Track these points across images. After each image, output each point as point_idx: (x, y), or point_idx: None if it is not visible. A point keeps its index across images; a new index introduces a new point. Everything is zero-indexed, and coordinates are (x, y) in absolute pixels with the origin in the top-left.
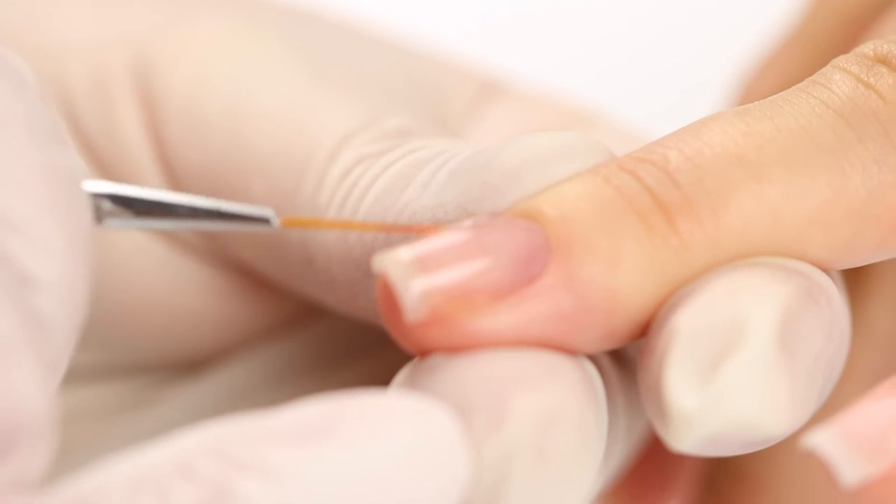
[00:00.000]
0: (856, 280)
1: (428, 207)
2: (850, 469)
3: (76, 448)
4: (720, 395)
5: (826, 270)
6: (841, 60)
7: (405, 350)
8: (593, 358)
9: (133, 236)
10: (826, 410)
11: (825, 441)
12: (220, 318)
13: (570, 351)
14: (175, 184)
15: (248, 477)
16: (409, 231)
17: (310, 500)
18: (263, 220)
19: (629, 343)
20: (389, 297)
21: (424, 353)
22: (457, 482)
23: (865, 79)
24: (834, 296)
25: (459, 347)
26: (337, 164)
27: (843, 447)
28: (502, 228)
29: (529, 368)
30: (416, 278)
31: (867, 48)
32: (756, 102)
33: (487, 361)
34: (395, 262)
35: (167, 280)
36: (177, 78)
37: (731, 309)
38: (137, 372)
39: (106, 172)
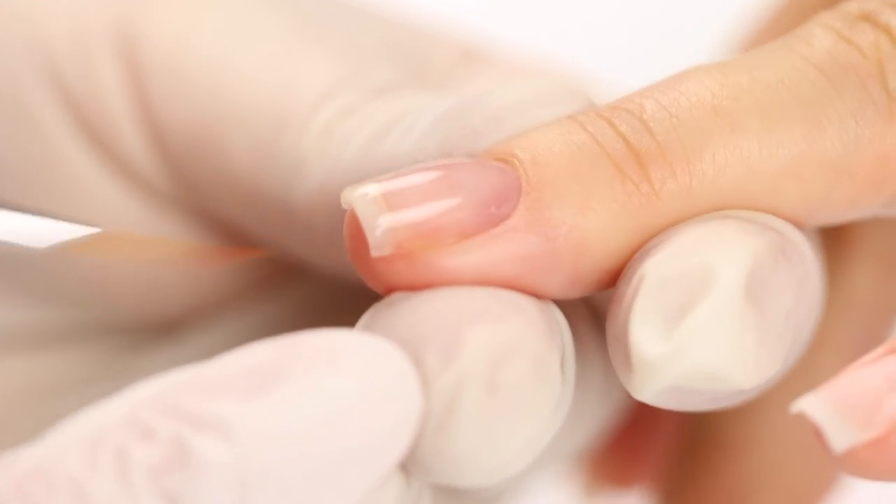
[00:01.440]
0: (835, 246)
1: (409, 153)
2: (840, 435)
3: (44, 418)
4: (685, 343)
5: (801, 226)
6: (824, 16)
7: (372, 288)
8: (571, 317)
9: (108, 190)
10: (805, 377)
11: (815, 406)
12: (198, 276)
13: (536, 294)
14: (157, 141)
15: (204, 433)
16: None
17: (265, 452)
18: None
19: (598, 291)
20: (356, 233)
21: (389, 290)
22: (409, 418)
23: (847, 34)
24: (807, 254)
25: (423, 285)
26: (318, 116)
27: (833, 413)
28: (474, 168)
29: (487, 303)
30: (382, 214)
31: (851, 6)
32: (736, 56)
33: (444, 297)
34: (362, 197)
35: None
36: (158, 35)
37: (699, 258)
38: (110, 333)
39: (88, 131)
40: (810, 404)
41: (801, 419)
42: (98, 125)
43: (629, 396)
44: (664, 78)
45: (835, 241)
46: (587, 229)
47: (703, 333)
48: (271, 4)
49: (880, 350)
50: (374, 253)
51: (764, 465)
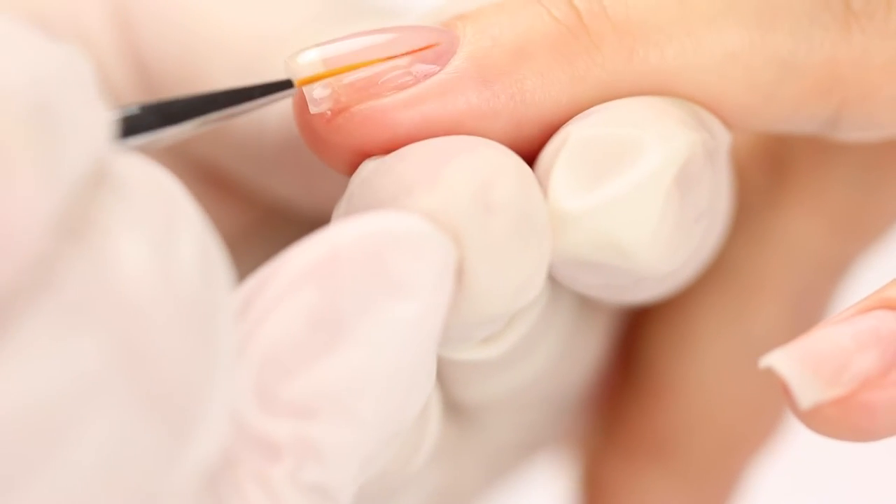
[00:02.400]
0: (782, 196)
1: None
2: (807, 392)
3: None
4: (602, 204)
5: (745, 121)
6: None
7: (321, 158)
8: None
9: None
10: (741, 321)
11: (783, 362)
12: None
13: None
14: (143, 81)
15: (314, 419)
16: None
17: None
18: (285, 86)
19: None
20: (300, 97)
21: (336, 156)
22: (447, 255)
23: None
24: (726, 167)
25: (365, 144)
26: (295, 42)
27: (801, 369)
28: (414, 29)
29: (456, 143)
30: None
31: None
32: None
33: (411, 151)
34: (302, 61)
35: None
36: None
37: (636, 131)
38: None
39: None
40: (779, 360)
41: (733, 367)
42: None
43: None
44: None
45: (781, 191)
46: (524, 75)
47: (623, 201)
48: None
49: (850, 309)
50: (312, 109)
51: (695, 409)
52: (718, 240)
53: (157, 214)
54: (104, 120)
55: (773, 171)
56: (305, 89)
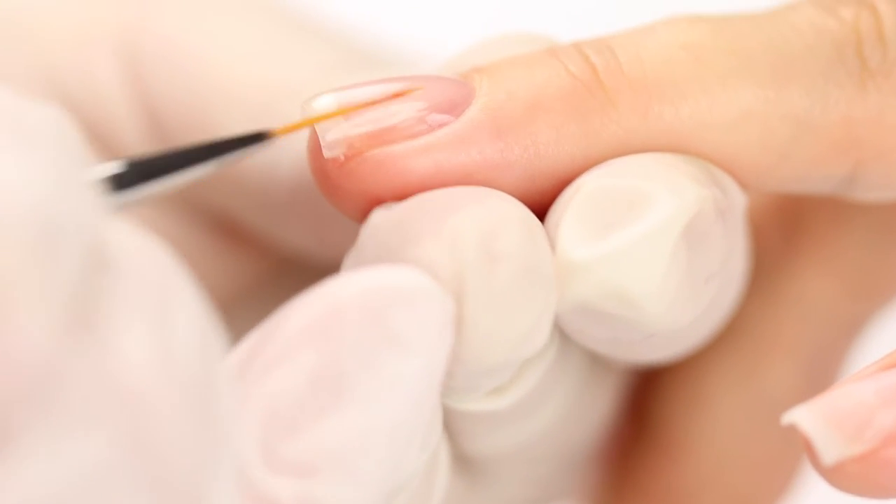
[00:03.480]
0: (797, 257)
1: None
2: (830, 449)
3: None
4: (610, 255)
5: (760, 180)
6: None
7: (333, 204)
8: None
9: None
10: (754, 381)
11: (806, 418)
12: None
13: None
14: (156, 134)
15: (316, 476)
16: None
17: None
18: (260, 137)
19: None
20: (314, 142)
21: (347, 201)
22: (446, 309)
23: (831, 6)
24: (741, 228)
25: (377, 190)
26: (307, 90)
27: (823, 426)
28: (429, 79)
29: (465, 194)
30: (336, 117)
31: None
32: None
33: (419, 201)
34: (317, 104)
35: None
36: (157, 38)
37: (645, 183)
38: None
39: (90, 132)
40: (801, 416)
41: (746, 425)
42: (99, 126)
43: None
44: None
45: (796, 251)
46: (538, 129)
47: (630, 252)
48: (257, 8)
49: (873, 366)
50: (326, 153)
51: (707, 467)
52: (733, 303)
53: (154, 295)
54: (98, 198)
55: (787, 231)
56: (319, 133)
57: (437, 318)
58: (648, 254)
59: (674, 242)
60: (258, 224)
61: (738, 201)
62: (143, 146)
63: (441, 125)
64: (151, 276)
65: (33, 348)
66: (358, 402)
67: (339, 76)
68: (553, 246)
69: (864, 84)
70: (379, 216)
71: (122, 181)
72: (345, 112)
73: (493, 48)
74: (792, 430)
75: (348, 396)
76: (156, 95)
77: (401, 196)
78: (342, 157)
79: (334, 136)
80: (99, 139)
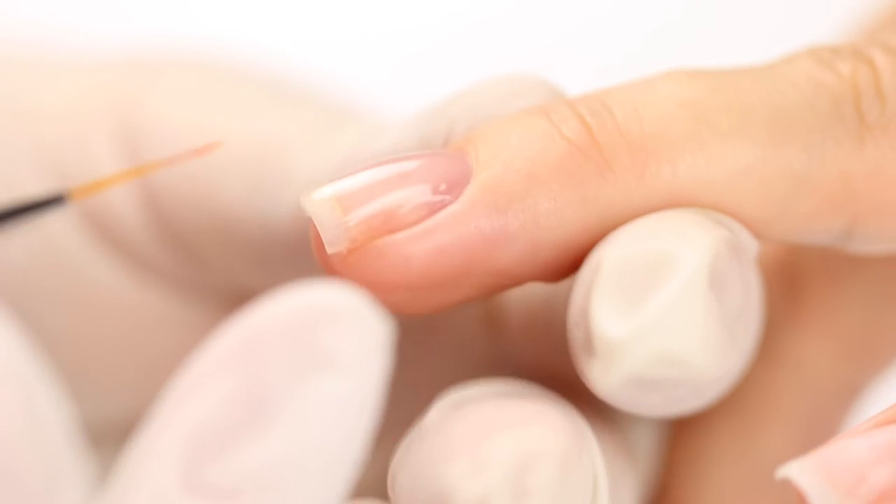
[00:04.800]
0: (794, 319)
1: (387, 148)
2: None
3: None
4: (650, 324)
5: (759, 234)
6: (814, 47)
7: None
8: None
9: (101, 276)
10: (750, 444)
11: (801, 473)
12: None
13: (498, 272)
14: (153, 211)
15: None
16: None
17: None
18: (56, 201)
19: (563, 276)
20: (317, 235)
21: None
22: (380, 330)
23: (829, 60)
24: (753, 263)
25: (384, 278)
26: (303, 142)
27: (818, 481)
28: (424, 159)
29: (510, 414)
30: (335, 213)
31: (844, 43)
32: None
33: (464, 416)
34: (315, 199)
35: (141, 323)
36: (153, 115)
37: (660, 244)
38: (102, 439)
39: (88, 216)
40: (796, 470)
41: (745, 492)
42: (97, 204)
43: None
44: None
45: (794, 310)
46: (537, 201)
47: (668, 315)
48: (244, 77)
49: (868, 422)
50: (329, 250)
51: None
52: (758, 335)
53: None
54: None
55: (785, 288)
56: (321, 229)
57: (370, 339)
58: (684, 311)
59: (704, 292)
60: (265, 285)
61: (747, 240)
62: (142, 222)
63: (441, 206)
64: None
65: None
66: (284, 423)
67: (325, 131)
68: (586, 325)
69: (861, 139)
70: (425, 431)
71: None
72: (108, 184)
73: (490, 92)
74: (790, 493)
75: (273, 418)
76: (153, 174)
77: (405, 282)
78: (345, 252)
79: (335, 232)
80: (96, 216)
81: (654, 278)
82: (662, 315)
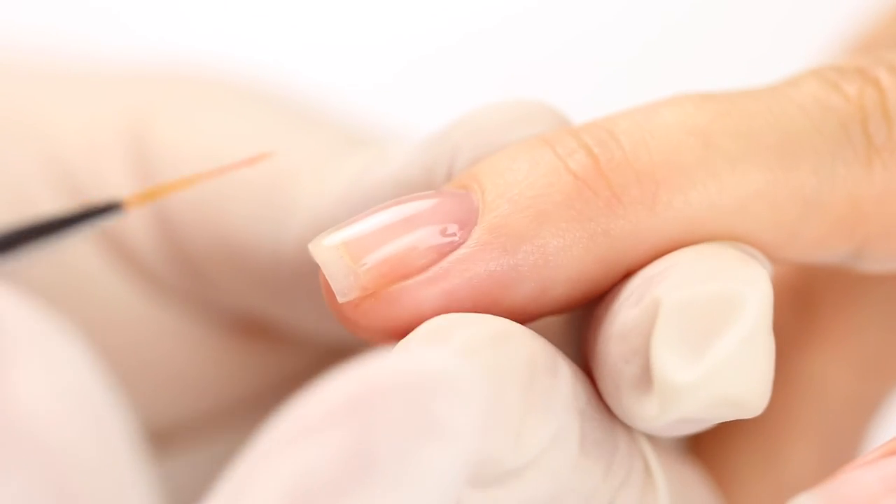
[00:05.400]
0: (812, 339)
1: (394, 177)
2: None
3: None
4: (715, 370)
5: (770, 257)
6: (819, 67)
7: (353, 334)
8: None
9: (117, 293)
10: (771, 465)
11: None
12: (212, 379)
13: (508, 310)
14: (163, 228)
15: None
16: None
17: None
18: (113, 208)
19: (573, 309)
20: (331, 289)
21: (367, 334)
22: (485, 398)
23: (835, 81)
24: None
25: (396, 323)
26: (309, 167)
27: None
28: (430, 201)
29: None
30: (344, 262)
31: (849, 62)
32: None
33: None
34: (322, 248)
35: (153, 338)
36: (164, 136)
37: (721, 285)
38: None
39: (102, 234)
40: (805, 502)
41: None
42: (114, 230)
43: None
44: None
45: (809, 332)
46: (545, 240)
47: (734, 361)
48: (252, 100)
49: (876, 451)
50: (340, 299)
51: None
52: None
53: (40, 345)
54: None
55: (799, 312)
56: (330, 278)
57: (477, 408)
58: (750, 356)
59: (767, 335)
60: (272, 310)
61: (768, 266)
62: (155, 244)
63: (449, 247)
64: (33, 332)
65: None
66: (385, 485)
67: (333, 155)
68: (645, 367)
69: (870, 161)
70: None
71: None
72: (167, 191)
73: (482, 122)
74: None
75: (377, 480)
76: (165, 198)
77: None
78: (356, 300)
79: (346, 282)
80: (113, 237)
81: (719, 322)
82: (729, 361)
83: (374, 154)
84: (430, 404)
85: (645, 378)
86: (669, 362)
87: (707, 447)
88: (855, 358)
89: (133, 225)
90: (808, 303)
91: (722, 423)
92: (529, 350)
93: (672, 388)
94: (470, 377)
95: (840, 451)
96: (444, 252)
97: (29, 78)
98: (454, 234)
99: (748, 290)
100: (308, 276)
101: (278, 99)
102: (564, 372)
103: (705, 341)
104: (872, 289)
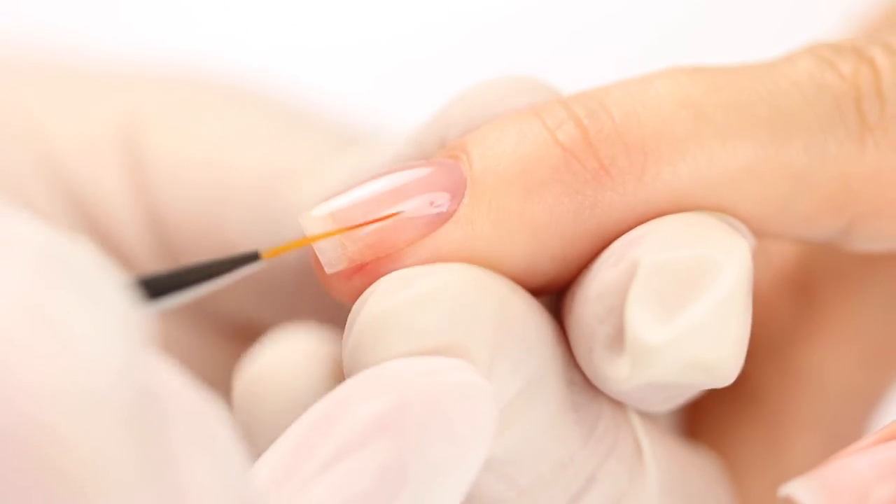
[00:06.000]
0: (813, 329)
1: (386, 164)
2: None
3: None
4: (688, 332)
5: (756, 231)
6: (815, 45)
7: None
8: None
9: None
10: (771, 456)
11: (803, 491)
12: (211, 384)
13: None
14: (157, 232)
15: None
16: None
17: None
18: (252, 258)
19: (561, 285)
20: (319, 261)
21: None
22: (494, 405)
23: (830, 59)
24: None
25: None
26: (307, 169)
27: (820, 498)
28: (418, 172)
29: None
30: (332, 238)
31: (845, 41)
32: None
33: None
34: (311, 219)
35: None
36: (159, 138)
37: (699, 250)
38: None
39: (92, 226)
40: (798, 488)
41: (772, 500)
42: (101, 218)
43: None
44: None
45: (809, 322)
46: (534, 214)
47: (708, 324)
48: (249, 103)
49: (869, 438)
50: (327, 270)
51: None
52: None
53: (204, 429)
54: (146, 344)
55: (799, 302)
56: (318, 250)
57: (490, 416)
58: (725, 320)
59: (743, 302)
60: (272, 318)
61: (750, 240)
62: (150, 251)
63: (437, 219)
64: (195, 410)
65: None
66: (417, 499)
67: (329, 159)
68: (622, 329)
69: (862, 139)
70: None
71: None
72: (343, 231)
73: (488, 94)
74: None
75: (409, 493)
76: (160, 197)
77: None
78: (345, 271)
79: (333, 253)
80: (107, 243)
81: (695, 286)
82: (702, 324)
83: (368, 150)
84: (450, 414)
85: (618, 339)
86: (643, 321)
87: (709, 438)
88: (856, 349)
89: (129, 231)
90: (808, 294)
91: (723, 414)
92: (499, 294)
93: (644, 347)
94: (480, 386)
95: (842, 441)
96: (431, 223)
97: (25, 77)
98: (442, 206)
99: (726, 258)
100: (306, 280)
101: (272, 101)
102: (540, 321)
103: (680, 303)
104: (873, 280)
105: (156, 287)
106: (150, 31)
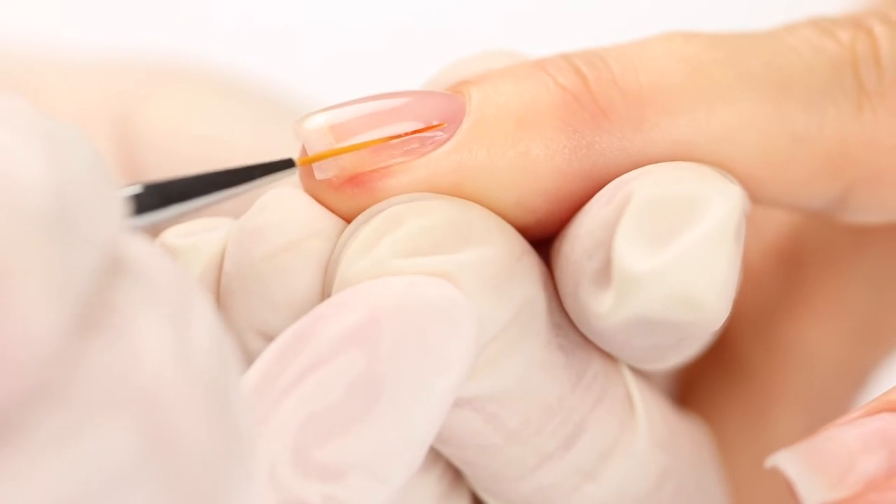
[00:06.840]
0: (803, 304)
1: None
2: (813, 492)
3: None
4: (673, 263)
5: (754, 191)
6: (815, 17)
7: None
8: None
9: None
10: (758, 429)
11: (789, 461)
12: None
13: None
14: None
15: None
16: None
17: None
18: (286, 165)
19: (551, 221)
20: (307, 168)
21: (337, 213)
22: (476, 325)
23: (829, 28)
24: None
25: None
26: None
27: (806, 469)
28: (420, 95)
29: None
30: (327, 140)
31: (845, 15)
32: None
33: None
34: (308, 126)
35: None
36: (153, 123)
37: (692, 188)
38: None
39: None
40: (785, 459)
41: (756, 474)
42: None
43: None
44: None
45: (797, 297)
46: (529, 146)
47: (694, 256)
48: (242, 92)
49: (857, 411)
50: (318, 175)
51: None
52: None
53: (172, 297)
54: (117, 205)
55: (787, 276)
56: (312, 152)
57: (472, 338)
58: (711, 255)
59: (731, 239)
60: None
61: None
62: None
63: (432, 143)
64: (166, 282)
65: (36, 341)
66: (392, 412)
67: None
68: (606, 257)
69: (860, 105)
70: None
71: (140, 205)
72: (366, 145)
73: (477, 63)
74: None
75: (383, 406)
76: (148, 174)
77: None
78: (334, 179)
79: (327, 160)
80: None
81: (685, 220)
82: (689, 255)
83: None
84: (427, 333)
85: (605, 273)
86: (629, 252)
87: (696, 411)
88: (843, 324)
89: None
90: (796, 269)
91: (710, 387)
92: (487, 225)
93: (629, 276)
94: (462, 307)
95: (828, 417)
96: (426, 145)
97: (15, 65)
98: (440, 130)
99: (717, 196)
100: None
101: (264, 92)
102: (530, 257)
103: (668, 236)
104: (863, 256)
105: (192, 187)
106: (150, 31)
